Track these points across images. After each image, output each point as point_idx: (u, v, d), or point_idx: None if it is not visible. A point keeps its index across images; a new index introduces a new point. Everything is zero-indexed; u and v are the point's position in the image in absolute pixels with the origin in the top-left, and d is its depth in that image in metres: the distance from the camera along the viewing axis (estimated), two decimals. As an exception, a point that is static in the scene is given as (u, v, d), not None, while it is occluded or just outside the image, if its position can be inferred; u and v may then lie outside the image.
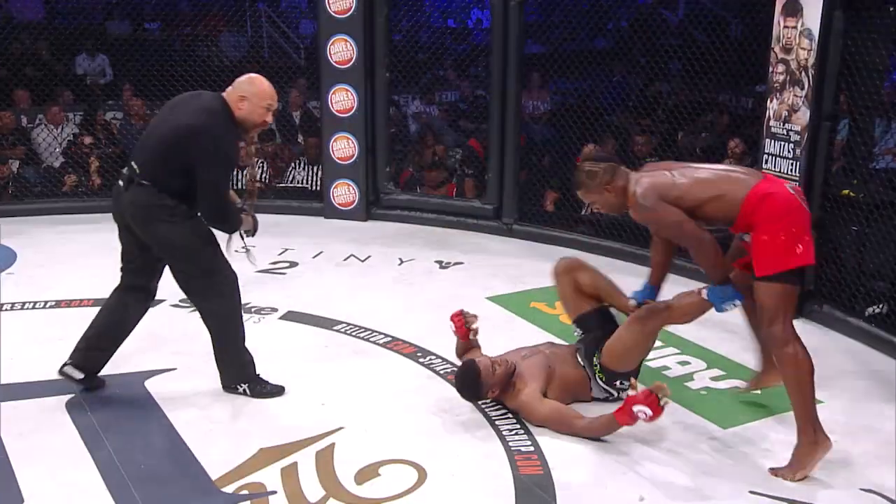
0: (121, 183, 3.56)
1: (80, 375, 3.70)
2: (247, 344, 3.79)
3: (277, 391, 3.79)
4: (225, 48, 8.30)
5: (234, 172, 3.79)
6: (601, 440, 3.41)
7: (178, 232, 3.51)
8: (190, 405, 3.71)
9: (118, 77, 7.69)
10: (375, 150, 6.77)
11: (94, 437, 3.44)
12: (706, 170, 3.40)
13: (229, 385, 3.77)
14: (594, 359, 3.69)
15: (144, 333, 3.95)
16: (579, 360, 3.74)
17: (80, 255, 5.74)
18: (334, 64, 6.60)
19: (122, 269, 3.74)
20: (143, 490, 3.09)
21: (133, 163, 3.53)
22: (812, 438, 3.17)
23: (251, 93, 3.52)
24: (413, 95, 7.75)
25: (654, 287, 3.76)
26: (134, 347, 3.94)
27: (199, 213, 3.57)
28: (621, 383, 3.68)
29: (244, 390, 3.75)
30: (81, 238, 6.13)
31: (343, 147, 6.76)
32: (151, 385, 3.89)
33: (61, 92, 7.53)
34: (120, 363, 3.88)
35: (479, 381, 3.53)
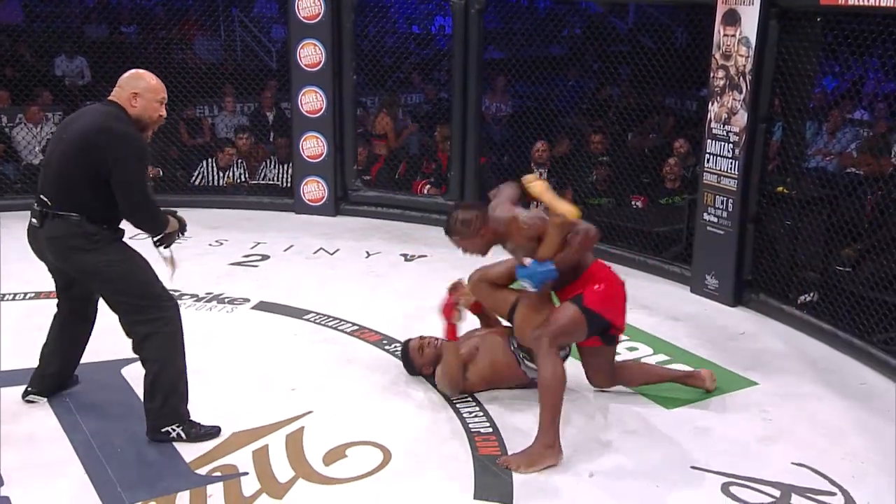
0: (34, 221, 3.15)
1: (43, 399, 3.50)
2: (188, 370, 3.30)
3: (214, 433, 3.29)
4: (199, 52, 8.19)
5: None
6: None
7: (105, 259, 3.10)
8: (165, 391, 3.65)
9: (96, 79, 7.55)
10: (343, 148, 6.74)
11: (72, 423, 3.38)
12: None
13: (158, 428, 3.21)
14: (514, 339, 3.62)
15: (119, 323, 3.88)
16: (512, 346, 3.65)
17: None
18: (304, 67, 6.55)
19: (58, 296, 3.42)
20: (119, 472, 3.06)
21: (42, 196, 3.12)
22: (550, 443, 3.14)
23: (143, 88, 3.14)
24: (379, 96, 7.72)
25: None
26: (110, 336, 3.86)
27: (120, 234, 3.20)
28: None
29: (177, 434, 3.22)
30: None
31: (312, 146, 6.71)
32: (128, 372, 3.82)
33: (40, 92, 7.38)
34: (96, 352, 3.80)
35: (408, 359, 3.85)
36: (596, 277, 3.36)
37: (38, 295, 4.81)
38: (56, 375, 3.52)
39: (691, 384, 3.73)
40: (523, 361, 3.63)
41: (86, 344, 3.53)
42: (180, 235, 3.38)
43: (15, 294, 4.83)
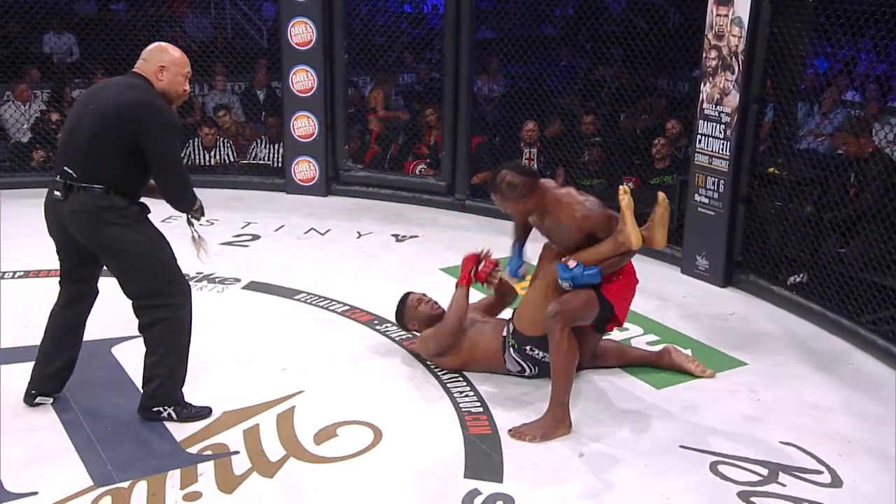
0: (57, 193, 3.04)
1: (51, 400, 3.36)
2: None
3: (205, 414, 3.28)
4: (189, 29, 8.11)
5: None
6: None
7: (132, 237, 3.04)
8: (156, 371, 3.64)
9: (85, 56, 7.47)
10: (335, 128, 6.70)
11: (62, 401, 3.37)
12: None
13: (150, 407, 3.21)
14: (510, 325, 3.63)
15: (111, 302, 3.85)
16: (504, 333, 3.64)
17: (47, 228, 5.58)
18: (295, 45, 6.49)
19: (61, 282, 3.31)
20: (109, 450, 3.05)
21: (66, 168, 3.03)
22: (561, 418, 3.23)
23: (169, 61, 3.09)
24: (371, 76, 7.67)
25: (520, 243, 3.71)
26: (101, 315, 3.85)
27: (147, 211, 3.15)
28: (531, 349, 3.54)
29: (168, 414, 3.21)
30: (49, 212, 5.98)
31: (303, 125, 6.66)
32: (118, 351, 3.82)
33: (29, 69, 7.30)
34: (87, 331, 3.78)
35: (402, 308, 3.86)
36: (619, 270, 3.41)
37: (26, 274, 4.79)
38: (62, 370, 3.36)
39: (663, 365, 3.75)
40: (509, 349, 3.60)
41: (84, 329, 3.40)
42: (201, 216, 3.33)
43: (4, 273, 4.81)
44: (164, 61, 3.10)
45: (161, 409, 3.22)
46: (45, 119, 7.06)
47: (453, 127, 6.31)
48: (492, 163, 6.57)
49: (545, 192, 3.41)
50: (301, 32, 6.46)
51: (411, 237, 5.79)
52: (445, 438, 3.20)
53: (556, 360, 3.28)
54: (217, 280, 4.78)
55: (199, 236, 3.38)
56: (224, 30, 8.56)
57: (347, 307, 4.46)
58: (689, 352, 3.94)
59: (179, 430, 3.18)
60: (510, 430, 3.23)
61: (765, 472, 3.04)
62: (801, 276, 4.62)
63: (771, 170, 4.80)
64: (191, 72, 3.21)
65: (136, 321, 3.20)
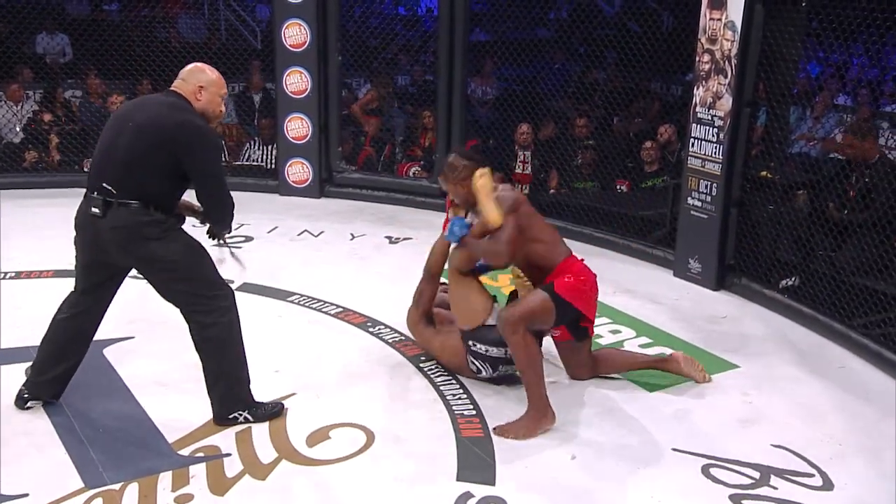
0: (95, 210, 3.02)
1: (41, 402, 3.34)
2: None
3: (278, 410, 3.32)
4: (183, 31, 8.09)
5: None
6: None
7: (173, 248, 3.06)
8: (148, 373, 3.64)
9: (78, 57, 7.44)
10: (328, 130, 6.69)
11: (54, 404, 3.35)
12: (548, 225, 3.60)
13: (226, 416, 3.23)
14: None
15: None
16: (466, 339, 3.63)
17: (39, 229, 5.58)
18: (289, 47, 6.49)
19: (77, 295, 3.27)
20: (101, 453, 3.04)
21: (105, 184, 3.02)
22: (542, 412, 3.26)
23: (208, 82, 3.14)
24: (365, 78, 7.66)
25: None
26: (93, 318, 3.85)
27: (182, 221, 3.18)
28: (473, 344, 3.53)
29: (244, 418, 3.24)
30: (41, 212, 5.97)
31: (297, 127, 6.66)
32: (110, 353, 3.80)
33: (21, 69, 7.27)
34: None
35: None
36: (567, 271, 3.44)
37: (18, 275, 4.77)
38: (58, 379, 3.32)
39: (670, 370, 3.72)
40: (468, 355, 3.57)
41: (90, 340, 3.35)
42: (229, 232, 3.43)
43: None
44: (202, 81, 3.14)
45: (237, 414, 3.23)
46: (37, 119, 7.04)
47: (447, 129, 6.33)
48: (486, 165, 6.56)
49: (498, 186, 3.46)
50: (295, 34, 6.46)
51: (405, 239, 5.79)
52: (438, 441, 3.20)
53: (520, 361, 3.31)
54: (210, 282, 4.76)
55: (234, 252, 3.49)
56: (218, 31, 8.54)
57: (340, 309, 4.45)
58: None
59: (171, 432, 3.17)
60: (495, 429, 3.25)
61: (756, 475, 3.04)
62: (793, 279, 4.63)
63: (763, 173, 4.82)
64: (227, 92, 3.25)
65: (188, 331, 3.19)
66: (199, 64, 3.23)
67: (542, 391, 3.28)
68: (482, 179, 3.35)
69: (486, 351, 3.52)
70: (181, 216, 3.20)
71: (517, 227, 3.35)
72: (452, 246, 3.60)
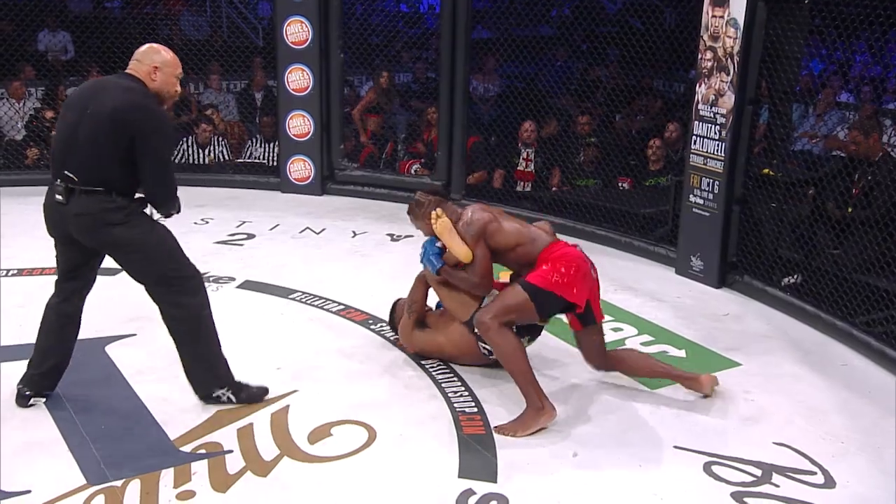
0: (59, 198, 3.07)
1: (44, 399, 3.36)
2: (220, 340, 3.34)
3: (261, 393, 3.40)
4: (185, 28, 8.09)
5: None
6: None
7: (137, 233, 3.10)
8: (149, 369, 3.64)
9: (80, 54, 7.45)
10: (330, 127, 6.70)
11: (56, 400, 3.36)
12: (520, 223, 3.59)
13: (207, 394, 3.32)
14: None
15: (104, 301, 3.86)
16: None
17: (41, 226, 5.53)
18: (290, 44, 6.49)
19: (57, 282, 3.32)
20: (103, 449, 3.05)
21: (67, 172, 3.05)
22: (538, 405, 3.25)
23: (163, 62, 3.13)
24: (367, 76, 7.67)
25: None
26: (94, 314, 3.85)
27: (144, 205, 3.17)
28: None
29: (227, 397, 3.31)
30: (43, 210, 5.97)
31: (299, 124, 6.67)
32: (112, 350, 3.81)
33: (23, 67, 7.27)
34: (81, 330, 3.77)
35: (393, 314, 4.04)
36: (544, 261, 3.37)
37: (20, 272, 4.77)
38: (57, 367, 3.36)
39: (690, 387, 3.59)
40: (479, 340, 3.59)
41: (79, 323, 3.40)
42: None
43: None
44: (157, 62, 3.14)
45: (220, 393, 3.31)
46: (39, 117, 7.05)
47: (449, 126, 6.32)
48: (488, 162, 6.58)
49: (455, 216, 3.50)
50: (297, 31, 6.46)
51: (406, 237, 5.79)
52: (440, 438, 3.20)
53: (502, 359, 3.34)
54: (211, 279, 4.77)
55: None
56: (220, 28, 8.55)
57: (342, 306, 4.45)
58: (682, 352, 3.95)
59: (173, 430, 3.18)
60: (495, 428, 3.25)
61: (758, 472, 3.04)
62: (796, 277, 4.63)
63: (765, 171, 4.82)
64: (182, 73, 3.24)
65: (158, 312, 3.25)
66: (153, 45, 3.22)
67: (532, 386, 3.26)
68: (440, 221, 3.44)
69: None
70: (142, 200, 3.18)
71: (487, 255, 3.41)
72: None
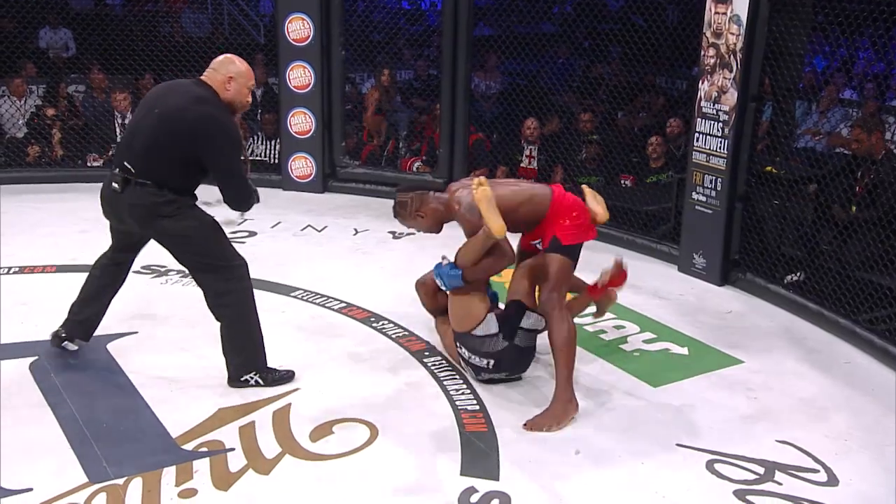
0: (115, 185, 3.28)
1: (74, 348, 3.68)
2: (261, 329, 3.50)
3: (289, 377, 3.54)
4: (187, 25, 8.08)
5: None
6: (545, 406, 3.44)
7: (184, 225, 3.28)
8: (151, 367, 3.65)
9: (81, 51, 7.44)
10: (332, 125, 6.69)
11: (58, 398, 3.36)
12: (512, 183, 3.65)
13: (238, 377, 3.46)
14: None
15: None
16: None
17: (42, 224, 5.59)
18: (292, 41, 6.48)
19: (111, 249, 3.61)
20: (105, 448, 3.05)
21: (126, 163, 3.26)
22: (569, 398, 3.29)
23: (237, 73, 3.29)
24: (368, 73, 7.66)
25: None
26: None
27: (195, 199, 3.37)
28: (459, 347, 3.59)
29: (255, 381, 3.46)
30: (44, 207, 5.98)
31: (300, 122, 6.66)
32: (113, 348, 3.81)
33: (24, 64, 7.27)
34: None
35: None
36: (560, 213, 3.47)
37: (21, 270, 4.77)
38: (88, 321, 3.65)
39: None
40: (459, 354, 3.61)
41: (116, 293, 3.68)
42: (257, 202, 3.58)
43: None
44: (232, 72, 3.29)
45: (248, 377, 3.45)
46: (40, 114, 7.04)
47: (451, 124, 6.31)
48: (489, 160, 6.57)
49: (443, 202, 3.51)
50: (298, 28, 6.45)
51: (408, 234, 5.78)
52: (442, 436, 3.20)
53: (558, 342, 3.32)
54: (213, 277, 4.77)
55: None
56: (221, 26, 8.54)
57: (344, 304, 4.45)
58: (685, 350, 3.95)
59: (174, 428, 3.18)
60: (525, 424, 3.24)
61: (761, 470, 3.04)
62: (799, 274, 4.62)
63: (768, 168, 4.81)
64: (254, 84, 3.42)
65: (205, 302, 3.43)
66: (229, 55, 3.38)
67: (571, 377, 3.31)
68: (481, 189, 3.26)
69: (469, 357, 3.53)
70: (195, 196, 3.36)
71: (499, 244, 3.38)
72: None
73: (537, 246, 3.57)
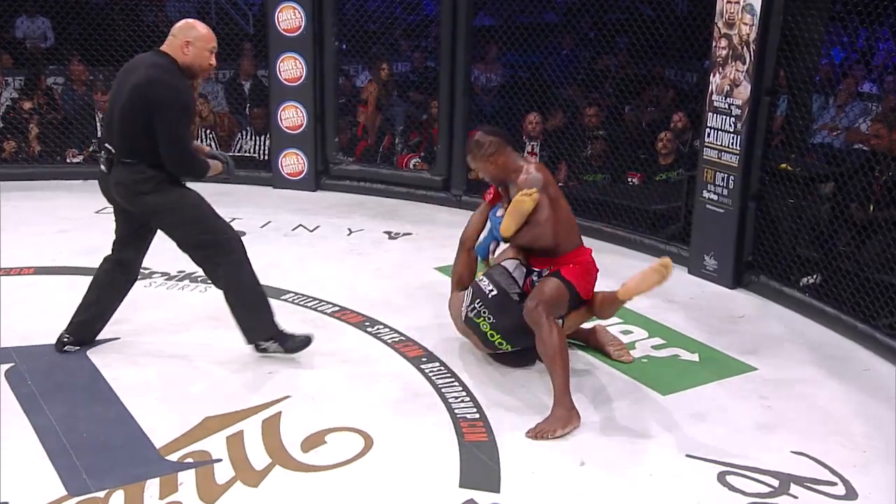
0: (103, 167, 3.55)
1: (77, 348, 3.79)
2: (267, 299, 3.75)
3: (306, 342, 3.77)
4: (171, 14, 8.08)
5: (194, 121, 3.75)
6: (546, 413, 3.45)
7: (169, 198, 3.49)
8: (133, 375, 3.65)
9: (60, 41, 7.44)
10: (324, 119, 6.69)
11: (35, 406, 3.36)
12: (565, 209, 3.75)
13: (254, 343, 3.73)
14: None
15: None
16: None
17: (19, 223, 5.58)
18: (282, 32, 6.49)
19: (114, 243, 3.75)
20: (85, 459, 3.04)
21: (107, 145, 3.50)
22: (570, 406, 3.35)
23: (195, 37, 3.48)
24: (363, 65, 7.66)
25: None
26: (76, 316, 3.86)
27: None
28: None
29: (274, 348, 3.73)
30: (21, 205, 5.97)
31: (291, 116, 6.66)
32: (94, 355, 3.81)
33: (0, 55, 7.27)
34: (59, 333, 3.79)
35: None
36: (574, 261, 3.67)
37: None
38: (89, 324, 3.77)
39: (590, 345, 4.00)
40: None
41: (123, 297, 3.82)
42: (230, 175, 3.79)
43: (-27, 270, 4.79)
44: (189, 36, 3.48)
45: (267, 345, 3.72)
46: (16, 108, 7.04)
47: (449, 119, 6.32)
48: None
49: (513, 159, 3.66)
50: (289, 18, 6.45)
51: (405, 234, 5.79)
52: (440, 446, 3.20)
53: (548, 352, 3.41)
54: (200, 279, 4.76)
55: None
56: (208, 14, 8.54)
57: (337, 308, 4.46)
58: (695, 356, 3.95)
59: (158, 438, 3.18)
60: (528, 433, 3.27)
61: (776, 483, 3.04)
62: (815, 277, 4.63)
63: (783, 166, 4.81)
64: (216, 46, 3.55)
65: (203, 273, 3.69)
66: (189, 20, 3.56)
67: (567, 385, 3.37)
68: (526, 200, 3.48)
69: (481, 281, 3.76)
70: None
71: (549, 204, 3.53)
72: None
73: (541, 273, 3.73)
